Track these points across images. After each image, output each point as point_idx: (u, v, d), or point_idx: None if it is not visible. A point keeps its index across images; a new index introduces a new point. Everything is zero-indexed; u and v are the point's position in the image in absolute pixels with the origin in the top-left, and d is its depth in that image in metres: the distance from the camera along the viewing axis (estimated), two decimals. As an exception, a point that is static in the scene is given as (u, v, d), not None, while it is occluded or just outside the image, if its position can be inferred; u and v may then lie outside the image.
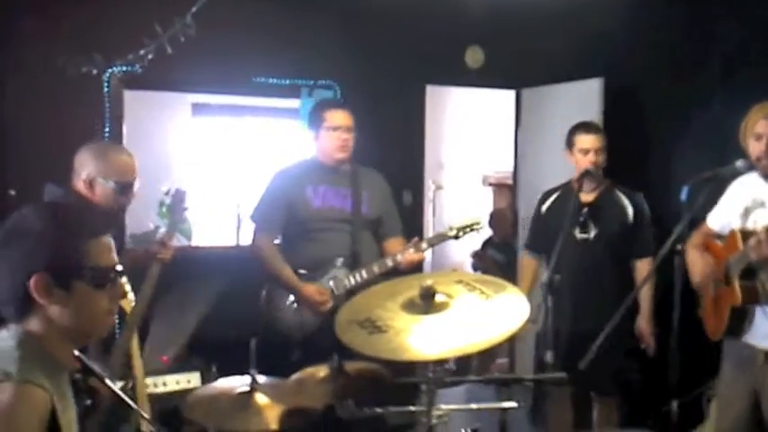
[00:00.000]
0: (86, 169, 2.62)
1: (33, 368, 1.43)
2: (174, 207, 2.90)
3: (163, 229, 3.05)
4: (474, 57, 4.98)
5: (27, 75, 3.83)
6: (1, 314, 1.51)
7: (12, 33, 3.76)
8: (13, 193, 3.66)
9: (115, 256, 1.56)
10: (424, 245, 3.30)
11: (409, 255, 3.26)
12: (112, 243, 1.56)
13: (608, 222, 3.51)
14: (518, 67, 5.02)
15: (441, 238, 3.37)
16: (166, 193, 2.93)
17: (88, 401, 1.77)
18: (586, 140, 3.51)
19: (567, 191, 3.58)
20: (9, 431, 1.35)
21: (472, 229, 3.33)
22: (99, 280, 1.52)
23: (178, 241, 3.27)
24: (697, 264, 2.97)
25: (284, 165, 3.52)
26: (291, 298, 3.28)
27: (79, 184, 2.62)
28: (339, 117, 3.35)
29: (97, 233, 1.54)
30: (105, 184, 2.61)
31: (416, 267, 3.39)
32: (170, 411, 2.38)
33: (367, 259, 3.31)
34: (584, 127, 3.59)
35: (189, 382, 3.16)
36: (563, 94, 4.87)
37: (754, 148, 2.78)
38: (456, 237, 3.33)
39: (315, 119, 3.39)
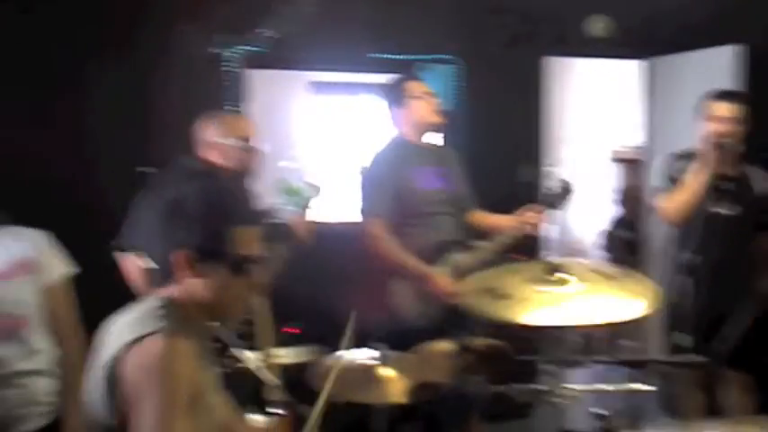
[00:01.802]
0: (206, 135, 2.71)
1: (178, 325, 1.52)
2: (308, 190, 2.90)
3: (290, 208, 3.06)
4: (599, 26, 4.77)
5: (156, 56, 3.96)
6: None
7: (140, 13, 3.90)
8: (142, 170, 3.82)
9: (258, 246, 1.61)
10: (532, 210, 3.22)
11: (530, 215, 3.17)
12: (258, 234, 1.62)
13: (743, 199, 3.32)
14: (647, 34, 4.76)
15: (543, 204, 3.26)
16: (302, 172, 2.93)
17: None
18: (722, 108, 3.29)
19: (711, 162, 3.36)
20: (167, 379, 1.44)
21: (566, 194, 3.21)
22: (238, 267, 1.58)
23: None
24: None
25: (377, 149, 3.39)
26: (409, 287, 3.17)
27: (204, 152, 2.70)
28: (421, 85, 3.31)
29: (245, 222, 1.61)
30: (226, 142, 2.67)
31: (536, 245, 3.30)
32: (295, 382, 2.41)
33: (467, 238, 3.23)
34: (722, 94, 3.38)
35: (315, 353, 3.20)
36: (697, 62, 4.60)
37: None
38: (553, 206, 3.22)
39: (395, 94, 3.31)
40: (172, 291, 1.58)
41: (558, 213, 3.36)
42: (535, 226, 3.22)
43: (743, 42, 4.31)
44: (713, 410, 3.38)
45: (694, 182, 3.28)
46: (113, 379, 1.48)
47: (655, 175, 3.65)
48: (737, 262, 3.30)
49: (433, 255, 3.17)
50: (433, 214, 3.20)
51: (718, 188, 3.29)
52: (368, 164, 3.31)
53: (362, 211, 3.26)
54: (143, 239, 1.63)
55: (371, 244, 3.18)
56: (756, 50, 4.30)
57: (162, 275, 1.59)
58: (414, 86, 3.28)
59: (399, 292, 3.15)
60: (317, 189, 2.95)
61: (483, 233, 3.29)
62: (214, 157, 2.71)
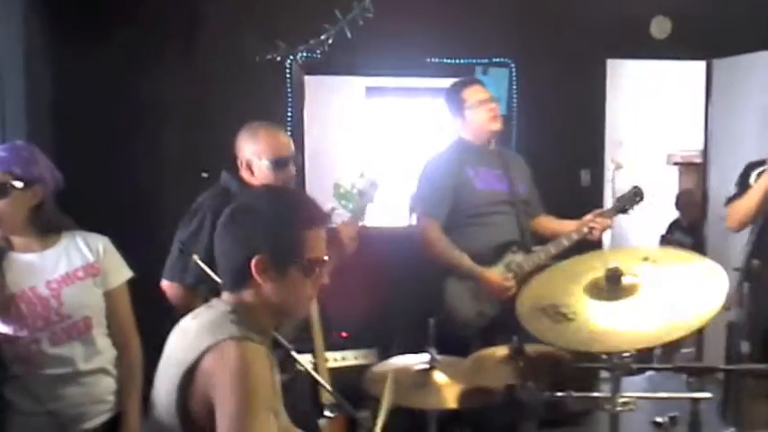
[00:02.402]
0: (242, 153, 2.71)
1: (249, 330, 1.56)
2: (366, 195, 2.91)
3: (344, 213, 3.07)
4: (661, 27, 4.68)
5: (216, 61, 4.05)
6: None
7: (202, 22, 4.00)
8: (205, 176, 3.90)
9: (325, 248, 1.65)
10: (600, 214, 3.23)
11: (600, 220, 3.16)
12: (325, 235, 1.65)
13: None
14: (708, 36, 4.66)
15: (613, 209, 3.28)
16: (361, 176, 2.94)
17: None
18: None
19: None
20: (249, 381, 1.48)
21: (637, 199, 3.23)
22: (310, 269, 1.63)
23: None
24: None
25: (435, 152, 3.40)
26: (469, 286, 3.17)
27: (241, 171, 2.71)
28: (479, 91, 3.28)
29: (316, 225, 1.65)
30: (260, 163, 2.67)
31: (593, 247, 3.26)
32: (349, 386, 2.43)
33: (530, 240, 3.22)
34: None
35: (367, 357, 3.23)
36: (760, 64, 4.47)
37: None
38: (623, 211, 3.25)
39: (454, 102, 3.30)
40: (244, 296, 1.62)
41: (617, 218, 3.34)
42: (600, 231, 3.19)
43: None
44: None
45: (757, 186, 3.20)
46: (189, 383, 1.52)
47: (716, 180, 3.57)
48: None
49: (491, 255, 3.18)
50: (491, 214, 3.21)
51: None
52: (427, 165, 3.34)
53: (418, 212, 3.30)
54: (217, 246, 1.67)
55: (425, 245, 3.20)
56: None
57: (234, 281, 1.63)
58: (472, 93, 3.28)
59: (455, 292, 3.16)
60: (373, 193, 2.93)
61: (546, 237, 3.28)
62: (249, 176, 2.69)
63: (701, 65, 4.95)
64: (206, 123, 3.97)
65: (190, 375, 1.52)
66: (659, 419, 2.09)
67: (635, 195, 3.26)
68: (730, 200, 3.40)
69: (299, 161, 2.88)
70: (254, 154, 2.67)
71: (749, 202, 3.23)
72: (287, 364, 2.22)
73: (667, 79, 6.13)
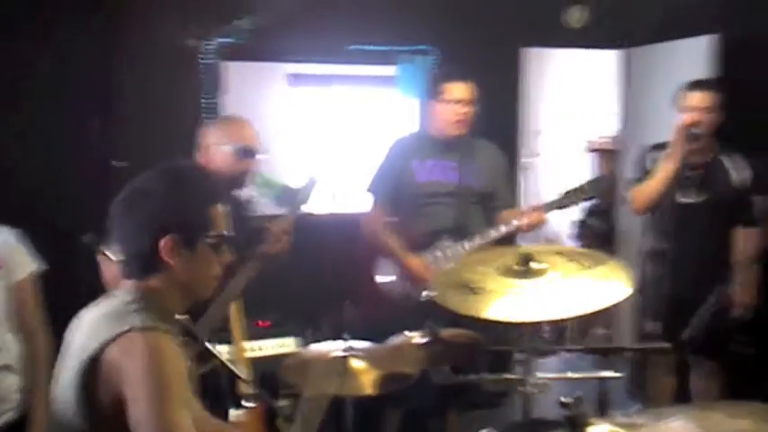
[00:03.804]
0: (205, 140, 2.72)
1: (155, 318, 1.53)
2: (303, 194, 2.88)
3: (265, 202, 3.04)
4: (576, 15, 4.79)
5: (129, 48, 3.94)
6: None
7: (114, 8, 3.88)
8: (118, 164, 3.81)
9: (228, 224, 1.63)
10: (545, 207, 3.20)
11: (531, 217, 3.17)
12: (226, 211, 1.63)
13: (716, 188, 3.34)
14: (624, 25, 4.79)
15: (553, 204, 3.22)
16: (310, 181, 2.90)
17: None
18: (694, 98, 3.33)
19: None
20: (161, 373, 1.45)
21: (584, 196, 3.21)
22: (218, 244, 1.62)
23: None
24: None
25: (400, 135, 3.52)
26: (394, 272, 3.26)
27: (202, 156, 2.71)
28: (459, 90, 3.25)
29: (218, 200, 1.64)
30: (222, 149, 2.67)
31: (511, 237, 3.31)
32: (267, 376, 2.43)
33: (476, 231, 3.25)
34: (696, 84, 3.41)
35: (285, 346, 3.22)
36: (673, 52, 4.63)
37: None
38: (565, 206, 3.22)
39: (432, 90, 3.32)
40: (150, 282, 1.59)
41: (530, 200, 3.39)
42: (531, 225, 3.22)
43: (718, 32, 4.34)
44: (682, 396, 3.43)
45: (663, 171, 3.33)
46: (90, 377, 1.48)
47: (630, 166, 3.69)
48: (705, 249, 3.33)
49: (423, 243, 3.24)
50: (428, 205, 3.27)
51: (687, 177, 3.34)
52: (389, 147, 3.42)
53: (368, 191, 3.40)
54: (117, 234, 1.62)
55: (365, 225, 3.33)
56: (730, 40, 4.33)
57: (141, 266, 1.59)
58: (451, 89, 3.26)
59: (385, 272, 3.27)
60: (311, 191, 2.89)
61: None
62: (207, 161, 2.68)
63: (616, 53, 5.08)
64: (121, 111, 3.87)
65: (91, 367, 1.48)
66: (568, 399, 2.15)
67: (580, 191, 3.20)
68: (633, 183, 3.52)
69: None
70: (218, 141, 2.68)
71: (653, 185, 3.36)
72: (205, 354, 2.20)
73: (585, 67, 6.28)
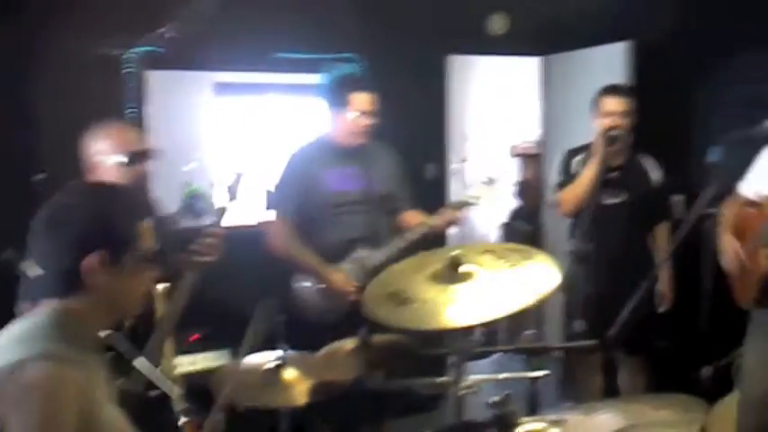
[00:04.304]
0: (86, 155, 2.60)
1: (65, 345, 1.45)
2: (231, 191, 2.83)
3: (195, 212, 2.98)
4: (498, 23, 4.90)
5: (47, 58, 3.83)
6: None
7: (33, 16, 3.77)
8: (40, 177, 3.69)
9: (155, 239, 1.60)
10: (456, 206, 3.30)
11: (447, 215, 3.22)
12: (152, 226, 1.60)
13: (634, 188, 3.48)
14: (543, 32, 4.93)
15: (462, 203, 3.34)
16: (219, 186, 2.85)
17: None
18: (610, 103, 3.46)
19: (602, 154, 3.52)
20: (43, 411, 1.35)
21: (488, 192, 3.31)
22: (145, 261, 1.58)
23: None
24: (728, 241, 2.90)
25: (298, 145, 3.40)
26: (312, 285, 3.20)
27: (87, 175, 2.58)
28: (365, 101, 3.24)
29: (143, 215, 1.60)
30: (107, 162, 2.56)
31: (439, 239, 3.35)
32: (200, 390, 2.39)
33: (386, 237, 3.27)
34: (610, 89, 3.54)
35: (220, 359, 3.18)
36: (590, 59, 4.79)
37: None
38: (471, 204, 3.33)
39: (338, 98, 3.26)
40: (71, 302, 1.51)
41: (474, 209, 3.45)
42: (450, 224, 3.27)
43: (632, 39, 4.51)
44: (610, 392, 3.53)
45: (587, 174, 3.44)
46: None
47: (552, 170, 3.79)
48: (627, 248, 3.45)
49: (338, 252, 3.20)
50: (339, 214, 3.22)
51: (607, 178, 3.45)
52: (288, 160, 3.32)
53: (270, 206, 3.29)
54: (38, 251, 1.55)
55: (273, 240, 3.21)
56: (644, 46, 4.51)
57: (62, 286, 1.51)
58: (358, 100, 3.23)
59: (302, 290, 3.17)
60: (237, 188, 2.86)
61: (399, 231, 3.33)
62: (99, 175, 2.56)
63: (537, 60, 5.22)
64: (40, 123, 3.76)
65: None
66: (496, 399, 2.20)
67: (483, 189, 3.32)
68: (559, 187, 3.63)
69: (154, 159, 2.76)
70: (100, 153, 2.56)
71: (579, 188, 3.47)
72: (128, 370, 2.16)
73: (509, 74, 6.41)
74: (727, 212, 2.96)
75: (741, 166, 2.96)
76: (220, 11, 3.74)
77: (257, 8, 4.25)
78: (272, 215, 3.27)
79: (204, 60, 4.41)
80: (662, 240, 3.50)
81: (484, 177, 3.39)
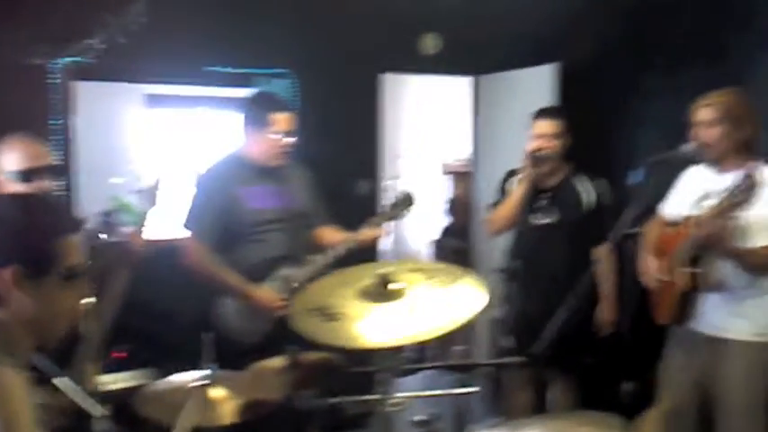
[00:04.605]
0: None
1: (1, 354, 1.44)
2: (147, 197, 2.78)
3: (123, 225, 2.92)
4: (430, 43, 4.97)
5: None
6: None
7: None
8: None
9: (83, 255, 1.56)
10: (372, 222, 3.28)
11: (367, 232, 3.23)
12: (80, 242, 1.56)
13: (566, 208, 3.52)
14: (475, 53, 5.03)
15: (386, 215, 3.34)
16: (139, 191, 2.80)
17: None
18: (539, 125, 3.53)
19: (532, 175, 3.56)
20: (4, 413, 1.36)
21: (407, 204, 3.31)
22: (68, 277, 1.54)
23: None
24: (650, 261, 3.00)
25: (210, 164, 3.32)
26: (236, 305, 3.14)
27: None
28: (286, 121, 3.20)
29: (68, 231, 1.56)
30: (5, 178, 2.51)
31: (371, 255, 3.35)
32: (123, 409, 2.33)
33: (304, 253, 3.25)
34: (541, 112, 3.61)
35: (144, 378, 3.11)
36: (519, 80, 4.90)
37: (694, 134, 2.84)
38: (394, 217, 3.33)
39: (259, 118, 3.19)
40: None
41: (394, 224, 3.45)
42: (374, 240, 3.28)
43: (559, 61, 4.65)
44: (539, 409, 3.59)
45: (514, 194, 3.51)
46: None
47: (483, 187, 3.85)
48: (557, 268, 3.48)
49: (262, 271, 3.16)
50: (262, 232, 3.18)
51: (538, 198, 3.53)
52: (200, 179, 3.24)
53: (186, 227, 3.18)
54: None
55: (193, 264, 3.13)
56: (570, 69, 4.65)
57: None
58: (280, 121, 3.18)
59: (227, 309, 3.13)
60: (155, 194, 2.81)
61: (324, 248, 3.31)
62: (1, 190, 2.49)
63: (468, 80, 5.31)
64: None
65: None
66: (420, 418, 2.22)
67: (404, 201, 3.33)
68: (493, 206, 3.69)
69: (64, 173, 2.69)
70: (2, 166, 2.51)
71: (506, 209, 3.54)
72: (49, 389, 2.09)
73: (441, 93, 6.51)
74: (649, 233, 3.07)
75: (662, 187, 3.07)
76: (151, 23, 3.68)
77: (189, 21, 4.22)
78: (188, 234, 3.18)
79: (135, 72, 4.33)
80: (600, 263, 3.42)
81: (398, 195, 3.39)
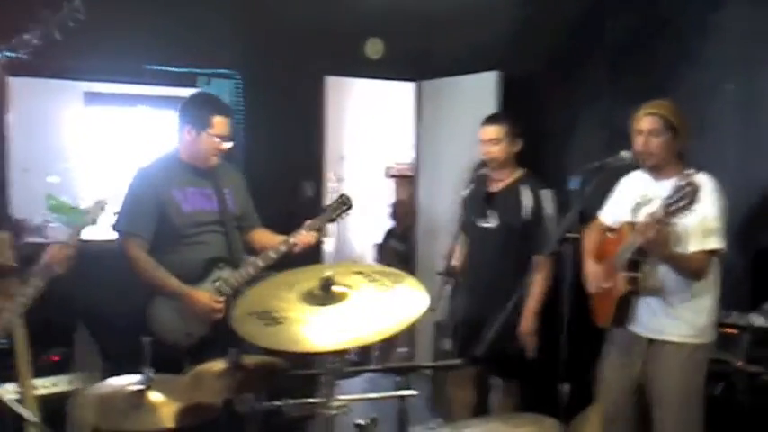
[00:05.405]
0: None
1: None
2: (92, 215, 2.71)
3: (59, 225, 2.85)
4: (374, 48, 5.00)
5: None
6: None
7: None
8: None
9: (10, 254, 1.52)
10: (310, 226, 3.25)
11: (304, 236, 3.22)
12: (7, 240, 1.52)
13: (506, 214, 3.53)
14: (417, 58, 5.08)
15: (323, 220, 3.32)
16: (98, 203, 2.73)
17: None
18: (483, 131, 3.58)
19: (479, 179, 3.61)
20: None
21: (345, 208, 3.31)
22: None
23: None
24: (591, 266, 3.06)
25: (144, 164, 3.26)
26: (176, 306, 3.08)
27: None
28: (225, 124, 3.18)
29: None
30: None
31: (314, 257, 3.34)
32: (59, 413, 2.28)
33: (240, 256, 3.23)
34: (486, 118, 3.65)
35: (81, 381, 3.04)
36: (462, 86, 4.96)
37: (636, 142, 2.92)
38: (332, 219, 3.32)
39: (198, 119, 3.15)
40: None
41: (336, 227, 3.44)
42: (309, 243, 3.27)
43: (500, 69, 4.73)
44: (481, 411, 3.63)
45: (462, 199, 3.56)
46: None
47: (425, 191, 3.88)
48: (497, 272, 3.50)
49: (198, 273, 3.12)
50: (198, 234, 3.15)
51: (483, 202, 3.57)
52: (134, 179, 3.18)
53: (118, 228, 3.12)
54: None
55: (129, 263, 3.08)
56: (511, 76, 4.73)
57: None
58: (220, 124, 3.15)
59: (162, 312, 3.08)
60: (99, 214, 2.74)
61: (259, 251, 3.30)
62: None
63: (411, 85, 5.35)
64: None
65: None
66: (360, 421, 2.22)
67: (342, 204, 3.32)
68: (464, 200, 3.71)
69: None
70: None
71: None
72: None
73: (385, 97, 6.55)
74: (587, 238, 3.14)
75: (600, 194, 3.14)
76: (91, 18, 3.60)
77: (131, 18, 4.15)
78: (120, 235, 3.12)
79: (73, 69, 4.24)
80: (534, 272, 3.33)
81: (336, 198, 3.37)
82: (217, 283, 3.10)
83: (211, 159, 3.19)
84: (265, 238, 3.36)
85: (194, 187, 3.18)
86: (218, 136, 3.15)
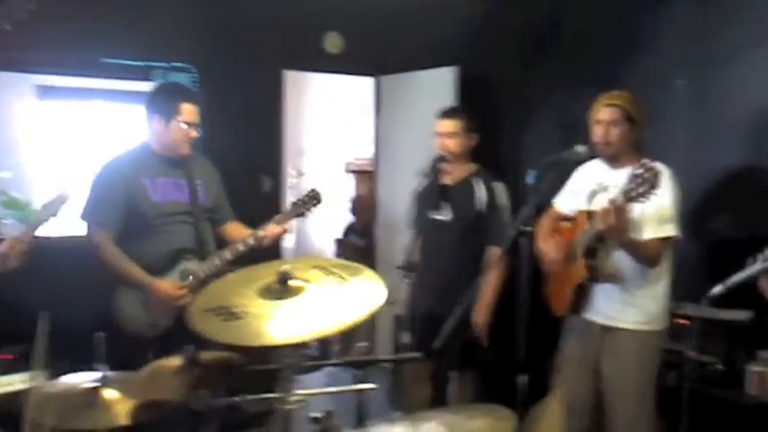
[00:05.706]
0: None
1: None
2: (51, 208, 2.66)
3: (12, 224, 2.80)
4: (333, 42, 4.98)
5: None
6: None
7: None
8: None
9: None
10: (279, 219, 3.25)
11: (272, 228, 3.21)
12: None
13: (460, 207, 3.57)
14: (376, 53, 5.08)
15: (292, 212, 3.32)
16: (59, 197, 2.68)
17: None
18: (439, 125, 3.60)
19: (433, 172, 3.64)
20: None
21: (314, 202, 3.30)
22: None
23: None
24: (545, 245, 3.11)
25: (113, 155, 3.24)
26: (140, 297, 3.07)
27: None
28: (193, 112, 3.17)
29: None
30: None
31: (274, 253, 3.33)
32: (10, 413, 2.24)
33: (212, 248, 3.23)
34: (442, 112, 3.67)
35: (35, 380, 2.98)
36: (420, 81, 4.97)
37: (595, 133, 2.97)
38: (301, 214, 3.31)
39: (166, 107, 3.15)
40: None
41: (297, 222, 3.43)
42: (277, 236, 3.26)
43: (459, 64, 4.76)
44: (439, 404, 3.64)
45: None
46: None
47: (388, 187, 3.88)
48: (453, 265, 3.54)
49: (164, 263, 3.11)
50: (166, 224, 3.13)
51: (438, 195, 3.59)
52: (102, 170, 3.15)
53: (84, 218, 3.10)
54: None
55: (95, 253, 3.06)
56: (469, 71, 4.77)
57: None
58: (188, 112, 3.14)
59: (125, 303, 3.06)
60: (59, 207, 2.70)
61: (230, 244, 3.27)
62: None
63: (370, 80, 5.35)
64: None
65: None
66: (317, 414, 2.22)
67: (312, 198, 3.32)
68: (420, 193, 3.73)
69: None
70: None
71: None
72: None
73: (344, 92, 6.54)
74: (542, 223, 3.18)
75: (556, 187, 3.19)
76: (43, 10, 3.53)
77: (85, 9, 4.08)
78: (87, 226, 3.10)
79: (24, 62, 4.15)
80: (488, 264, 3.46)
81: (305, 193, 3.36)
82: (181, 274, 3.09)
83: (183, 147, 3.17)
84: (237, 231, 3.34)
85: (166, 177, 3.17)
86: (186, 122, 3.13)
